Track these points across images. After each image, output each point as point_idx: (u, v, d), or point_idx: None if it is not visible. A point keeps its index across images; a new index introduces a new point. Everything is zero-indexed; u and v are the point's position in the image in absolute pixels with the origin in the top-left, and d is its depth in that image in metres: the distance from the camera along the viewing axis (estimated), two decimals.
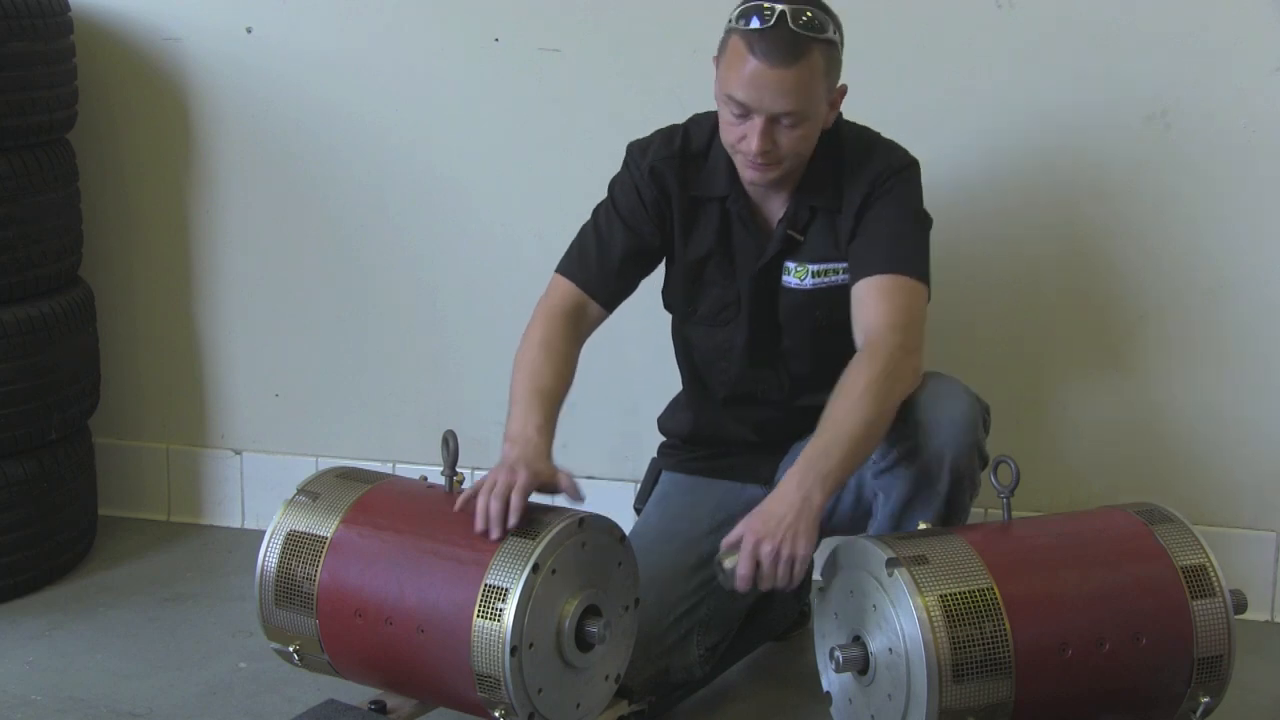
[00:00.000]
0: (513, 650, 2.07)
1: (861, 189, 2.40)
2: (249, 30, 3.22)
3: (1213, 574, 2.14)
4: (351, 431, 3.34)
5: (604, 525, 2.22)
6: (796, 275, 2.46)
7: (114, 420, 3.42)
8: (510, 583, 2.08)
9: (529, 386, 2.37)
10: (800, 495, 2.15)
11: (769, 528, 2.13)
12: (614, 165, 2.52)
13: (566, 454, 3.17)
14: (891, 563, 2.06)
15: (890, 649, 2.07)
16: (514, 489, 2.15)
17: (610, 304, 2.51)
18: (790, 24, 2.26)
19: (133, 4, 3.25)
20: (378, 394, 3.33)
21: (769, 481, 2.54)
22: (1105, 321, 2.99)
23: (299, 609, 2.26)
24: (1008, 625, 2.03)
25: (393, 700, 2.29)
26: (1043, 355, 3.03)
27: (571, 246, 2.53)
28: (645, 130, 2.51)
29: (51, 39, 2.96)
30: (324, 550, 2.25)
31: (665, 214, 2.49)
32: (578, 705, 2.23)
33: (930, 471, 2.29)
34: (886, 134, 2.50)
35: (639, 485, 2.76)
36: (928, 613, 2.01)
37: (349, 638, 2.23)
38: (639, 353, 2.86)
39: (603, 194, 2.52)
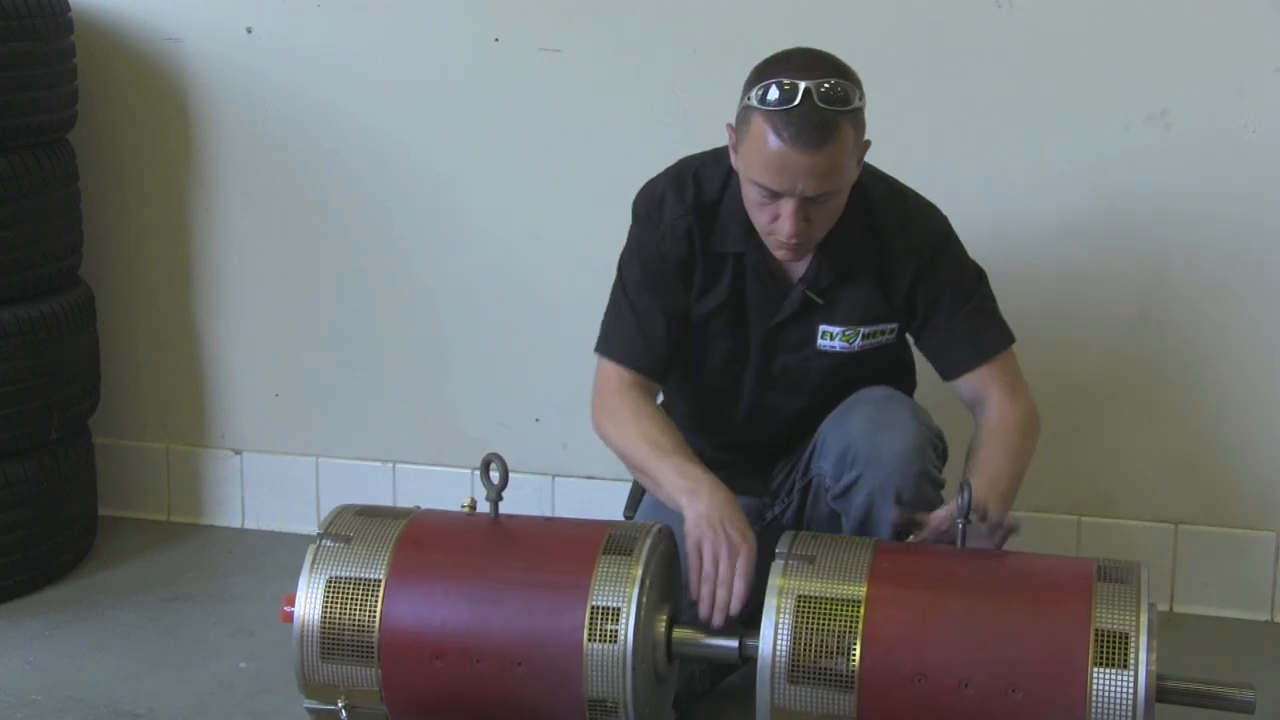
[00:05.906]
0: (634, 670, 2.04)
1: (910, 262, 2.33)
2: (249, 30, 3.21)
3: (1134, 646, 1.92)
4: (351, 431, 3.34)
5: (667, 531, 2.21)
6: (844, 339, 2.38)
7: (114, 420, 3.42)
8: (620, 602, 2.05)
9: (661, 447, 2.27)
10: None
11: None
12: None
13: (566, 454, 3.18)
14: (779, 555, 2.08)
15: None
16: (737, 576, 2.11)
17: (664, 377, 2.42)
18: (816, 100, 2.10)
19: (133, 4, 3.25)
20: (378, 394, 3.33)
21: (762, 494, 2.53)
22: (1105, 322, 2.99)
23: (354, 660, 2.13)
24: (859, 640, 1.99)
25: None
26: (1041, 356, 3.03)
27: (606, 327, 2.42)
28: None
29: (51, 39, 2.96)
30: (379, 594, 2.12)
31: (690, 271, 2.38)
32: (659, 716, 2.22)
33: (875, 502, 2.28)
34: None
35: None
36: (778, 610, 2.02)
37: (424, 683, 2.11)
38: None
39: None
